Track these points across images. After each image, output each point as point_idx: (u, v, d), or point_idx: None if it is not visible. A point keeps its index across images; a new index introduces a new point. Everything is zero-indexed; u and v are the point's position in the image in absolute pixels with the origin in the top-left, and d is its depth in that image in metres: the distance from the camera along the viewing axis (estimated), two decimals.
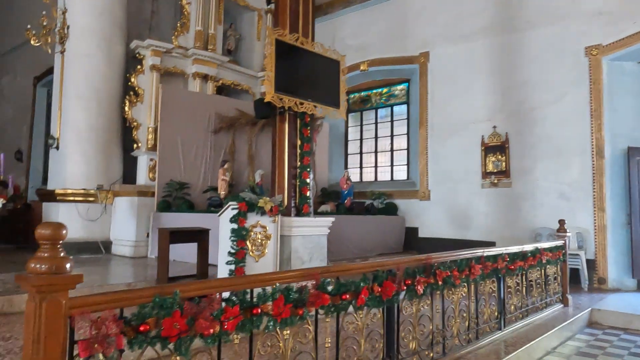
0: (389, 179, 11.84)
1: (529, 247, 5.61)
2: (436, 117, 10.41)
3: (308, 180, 5.94)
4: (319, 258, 5.91)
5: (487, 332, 4.68)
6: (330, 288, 2.84)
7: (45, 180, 12.32)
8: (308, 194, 5.92)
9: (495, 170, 9.38)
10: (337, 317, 2.96)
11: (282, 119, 5.87)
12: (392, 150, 11.87)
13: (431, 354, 3.79)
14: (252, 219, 5.07)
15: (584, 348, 5.28)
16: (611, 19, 8.21)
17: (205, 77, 10.38)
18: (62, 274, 1.74)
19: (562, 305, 6.35)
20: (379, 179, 12.08)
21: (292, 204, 5.80)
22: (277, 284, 2.52)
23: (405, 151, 11.52)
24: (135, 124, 9.47)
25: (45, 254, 1.73)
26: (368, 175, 12.26)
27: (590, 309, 6.42)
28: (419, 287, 3.44)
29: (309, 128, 6.00)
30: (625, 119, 8.23)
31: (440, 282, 3.73)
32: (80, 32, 9.10)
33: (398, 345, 3.45)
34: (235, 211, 4.96)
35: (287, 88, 5.65)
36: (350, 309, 3.01)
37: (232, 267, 4.91)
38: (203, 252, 6.10)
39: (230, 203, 5.10)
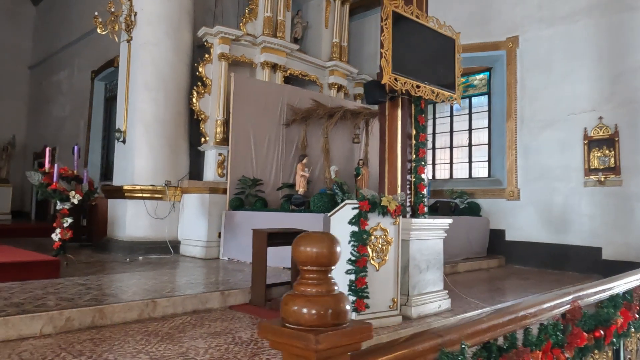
0: (467, 176, 10.89)
1: None
2: (527, 108, 9.41)
3: (424, 176, 5.14)
4: (435, 266, 5.11)
5: None
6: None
7: (105, 176, 11.98)
8: (425, 191, 5.11)
9: (601, 167, 8.33)
10: None
11: (394, 105, 5.08)
12: (470, 145, 10.92)
13: None
14: (372, 220, 4.31)
15: None
16: None
17: (274, 67, 9.72)
18: (344, 326, 1.00)
19: None
20: (454, 176, 11.15)
21: (408, 204, 5.00)
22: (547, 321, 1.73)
23: (487, 146, 10.55)
24: (203, 116, 8.89)
25: (317, 290, 1.00)
26: (442, 173, 11.35)
27: None
28: None
29: (424, 115, 5.19)
30: None
31: None
32: (148, 18, 8.57)
33: None
34: (356, 211, 4.20)
35: (403, 69, 4.85)
36: None
37: (352, 277, 4.16)
38: None
39: (347, 202, 4.35)
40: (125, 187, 8.30)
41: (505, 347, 1.54)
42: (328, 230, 5.98)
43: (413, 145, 5.13)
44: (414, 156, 5.11)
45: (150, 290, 5.02)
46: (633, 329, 2.61)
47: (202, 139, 8.89)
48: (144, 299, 4.51)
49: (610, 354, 2.43)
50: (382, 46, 4.73)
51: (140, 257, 7.66)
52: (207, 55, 9.04)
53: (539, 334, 1.75)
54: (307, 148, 9.26)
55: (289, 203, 7.77)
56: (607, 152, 8.28)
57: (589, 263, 8.25)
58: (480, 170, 10.70)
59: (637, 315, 2.66)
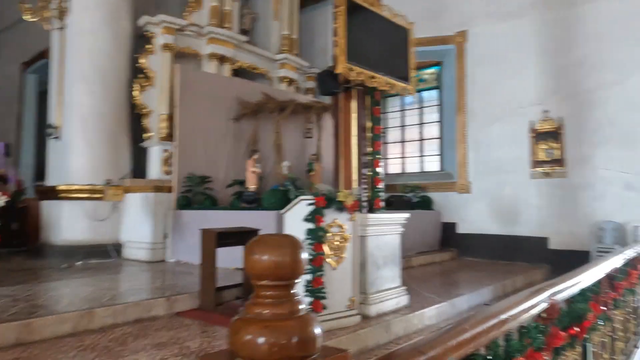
0: (419, 170, 10.93)
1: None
2: (476, 102, 9.52)
3: (380, 170, 4.98)
4: (393, 262, 4.97)
5: None
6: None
7: (38, 176, 11.10)
8: (381, 185, 4.96)
9: (547, 159, 8.54)
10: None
11: (348, 96, 4.89)
12: (421, 140, 10.96)
13: None
14: (328, 217, 4.09)
15: None
16: None
17: (221, 59, 9.30)
18: (308, 357, 0.76)
19: None
20: (406, 170, 11.16)
21: (364, 199, 4.83)
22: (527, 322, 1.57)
23: (438, 140, 10.62)
24: (145, 110, 8.36)
25: (277, 311, 0.75)
26: (394, 167, 11.33)
27: None
28: None
29: (379, 107, 5.04)
30: None
31: None
32: (83, 4, 7.95)
33: None
34: (311, 207, 3.97)
35: (357, 58, 4.67)
36: None
37: (309, 277, 3.92)
38: None
39: (301, 197, 4.11)
40: (60, 187, 7.68)
41: (490, 358, 1.36)
42: (281, 227, 5.73)
43: (369, 138, 4.96)
44: (370, 149, 4.94)
45: (88, 299, 4.58)
46: (601, 322, 2.54)
47: (146, 135, 8.37)
48: (80, 309, 4.08)
49: (579, 349, 2.34)
50: (335, 34, 4.52)
51: (79, 263, 7.08)
52: (149, 46, 8.50)
53: (521, 337, 1.59)
54: (258, 143, 8.92)
55: (240, 201, 7.44)
56: (552, 144, 8.49)
57: (537, 253, 8.45)
58: (432, 164, 10.77)
59: (603, 308, 2.59)
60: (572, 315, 2.04)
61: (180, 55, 8.85)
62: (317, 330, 0.77)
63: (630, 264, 3.64)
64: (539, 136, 8.62)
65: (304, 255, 0.79)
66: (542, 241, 8.50)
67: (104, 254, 7.65)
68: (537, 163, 8.64)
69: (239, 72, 9.90)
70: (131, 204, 8.02)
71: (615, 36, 7.91)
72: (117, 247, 7.89)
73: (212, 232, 4.77)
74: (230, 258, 5.77)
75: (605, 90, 7.96)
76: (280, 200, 6.46)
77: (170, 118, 8.30)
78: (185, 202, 7.64)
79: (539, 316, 1.81)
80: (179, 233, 7.51)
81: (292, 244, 0.78)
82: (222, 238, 4.83)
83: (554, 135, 8.47)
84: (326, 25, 11.74)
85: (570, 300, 2.19)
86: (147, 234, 7.65)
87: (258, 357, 0.73)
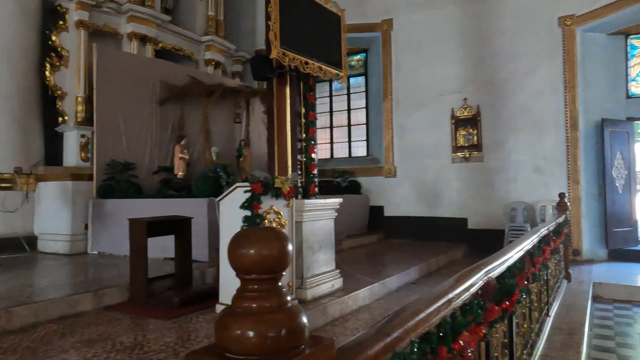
0: (347, 155, 11.15)
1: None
2: (401, 89, 9.84)
3: (314, 156, 5.03)
4: (327, 246, 5.07)
5: None
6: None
7: None
8: (315, 171, 5.01)
9: (466, 144, 9.06)
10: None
11: (282, 82, 4.85)
12: (349, 125, 11.17)
13: None
14: (265, 203, 4.07)
15: (614, 326, 5.04)
16: None
17: (143, 39, 8.83)
18: (302, 348, 0.77)
19: (567, 282, 6.13)
20: (335, 156, 11.34)
21: (299, 184, 4.86)
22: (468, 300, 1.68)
23: (364, 126, 10.88)
24: (59, 92, 7.78)
25: (265, 304, 0.75)
26: (323, 153, 11.46)
27: (592, 282, 6.29)
28: None
29: (313, 93, 5.05)
30: (598, 91, 8.26)
31: None
32: None
33: None
34: (248, 194, 3.93)
35: (290, 44, 4.64)
36: None
37: None
38: (185, 247, 4.95)
39: (238, 184, 4.05)
40: None
41: (441, 335, 1.45)
42: (214, 215, 5.60)
43: (302, 124, 4.97)
44: (304, 135, 4.96)
45: (3, 297, 4.23)
46: (524, 295, 2.77)
47: (60, 119, 7.78)
48: None
49: (506, 321, 2.54)
50: (268, 18, 4.46)
51: None
52: (61, 22, 7.85)
53: (464, 314, 1.70)
54: (185, 128, 8.62)
55: (168, 188, 7.18)
56: (471, 130, 9.02)
57: (457, 233, 8.99)
58: (359, 149, 11.03)
59: (525, 282, 2.83)
60: (504, 290, 2.21)
61: (98, 34, 8.27)
62: (305, 321, 0.78)
63: (544, 240, 4.00)
64: (459, 122, 9.12)
65: (290, 248, 0.79)
66: (461, 222, 9.05)
67: (16, 248, 7.07)
68: (457, 148, 9.14)
69: (162, 54, 9.46)
70: (46, 194, 7.46)
71: (525, 30, 8.50)
72: (30, 240, 7.31)
73: (142, 221, 4.57)
74: (158, 248, 5.61)
75: (517, 80, 8.56)
76: (212, 187, 6.32)
77: (88, 101, 7.79)
78: (108, 191, 7.23)
79: (477, 293, 1.94)
80: (100, 223, 7.11)
81: (279, 237, 0.78)
82: (153, 227, 4.66)
83: (472, 121, 8.99)
84: (254, 8, 11.52)
85: (500, 277, 2.37)
86: (65, 225, 7.17)
87: (249, 351, 0.72)
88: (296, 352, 0.75)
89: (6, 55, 7.29)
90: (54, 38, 7.77)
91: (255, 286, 0.77)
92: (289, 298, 0.78)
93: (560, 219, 5.66)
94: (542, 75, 8.37)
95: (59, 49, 7.79)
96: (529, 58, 8.47)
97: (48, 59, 7.73)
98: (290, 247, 0.79)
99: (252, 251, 0.75)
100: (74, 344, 3.39)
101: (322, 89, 11.53)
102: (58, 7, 7.87)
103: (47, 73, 7.69)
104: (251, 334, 0.72)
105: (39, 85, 7.78)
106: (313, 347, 0.78)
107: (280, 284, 0.79)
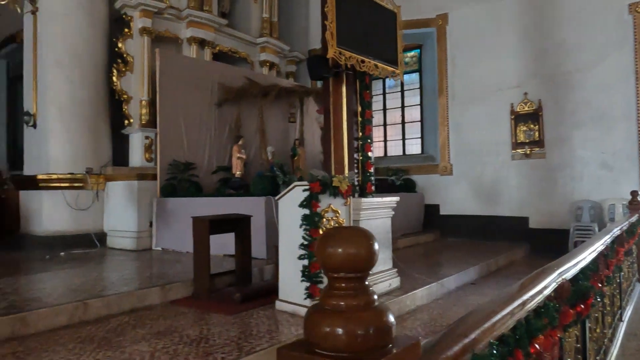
0: (401, 153, 11.02)
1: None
2: (457, 84, 9.61)
3: (371, 154, 5.01)
4: (385, 245, 5.04)
5: None
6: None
7: (13, 165, 10.77)
8: (372, 170, 5.00)
9: (527, 141, 8.72)
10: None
11: (338, 81, 4.86)
12: (403, 123, 11.03)
13: None
14: (323, 202, 4.11)
15: None
16: None
17: (201, 43, 9.13)
18: (390, 347, 0.78)
19: None
20: (389, 154, 11.24)
21: (356, 183, 4.86)
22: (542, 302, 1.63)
23: (419, 123, 10.71)
24: (125, 96, 8.18)
25: (354, 303, 0.76)
26: (377, 151, 11.36)
27: None
28: None
29: (369, 91, 5.04)
30: None
31: None
32: None
33: None
34: (307, 193, 3.98)
35: (347, 43, 4.65)
36: None
37: (306, 262, 3.96)
38: (244, 244, 5.09)
39: (296, 183, 4.12)
40: (40, 177, 7.48)
41: (517, 337, 1.41)
42: (271, 213, 5.73)
43: (359, 122, 4.97)
44: (360, 134, 4.96)
45: (79, 290, 4.51)
46: (598, 298, 2.65)
47: (126, 122, 8.20)
48: (73, 300, 4.02)
49: (579, 326, 2.43)
50: (325, 18, 4.48)
51: (62, 253, 6.94)
52: (126, 30, 8.27)
53: (539, 317, 1.64)
54: (242, 129, 8.84)
55: (226, 187, 7.39)
56: (532, 126, 8.67)
57: (518, 232, 8.67)
58: (414, 147, 10.87)
59: (599, 285, 2.69)
60: (578, 293, 2.12)
61: (159, 39, 8.65)
62: (392, 320, 0.79)
63: (617, 241, 3.79)
64: (519, 118, 8.79)
65: (377, 247, 0.80)
66: (522, 221, 8.72)
67: (88, 244, 7.52)
68: (517, 144, 8.82)
69: (219, 56, 9.75)
70: (114, 193, 7.88)
71: (591, 19, 8.06)
72: (100, 237, 7.76)
73: (205, 219, 4.74)
74: (219, 245, 5.77)
75: (582, 73, 8.13)
76: (269, 186, 6.44)
77: (151, 104, 8.15)
78: (170, 190, 7.54)
79: (550, 296, 1.88)
80: (164, 221, 7.42)
81: (366, 236, 0.80)
82: (214, 225, 4.81)
83: (533, 117, 8.64)
84: (306, 7, 11.62)
85: (574, 279, 2.28)
86: (131, 223, 7.54)
87: (339, 348, 0.74)
88: (385, 351, 0.76)
89: (78, 63, 7.75)
90: (120, 45, 8.18)
91: (343, 284, 0.78)
92: (375, 297, 0.79)
93: (633, 219, 5.33)
94: (610, 66, 7.91)
95: (124, 55, 8.20)
96: (596, 48, 8.02)
97: (115, 65, 8.16)
98: (377, 246, 0.80)
99: (340, 250, 0.77)
100: (145, 335, 3.56)
101: (375, 87, 11.44)
102: (124, 16, 8.30)
103: (114, 78, 8.11)
104: (340, 331, 0.74)
105: (107, 90, 8.22)
106: (399, 347, 0.79)
107: (367, 282, 0.80)
